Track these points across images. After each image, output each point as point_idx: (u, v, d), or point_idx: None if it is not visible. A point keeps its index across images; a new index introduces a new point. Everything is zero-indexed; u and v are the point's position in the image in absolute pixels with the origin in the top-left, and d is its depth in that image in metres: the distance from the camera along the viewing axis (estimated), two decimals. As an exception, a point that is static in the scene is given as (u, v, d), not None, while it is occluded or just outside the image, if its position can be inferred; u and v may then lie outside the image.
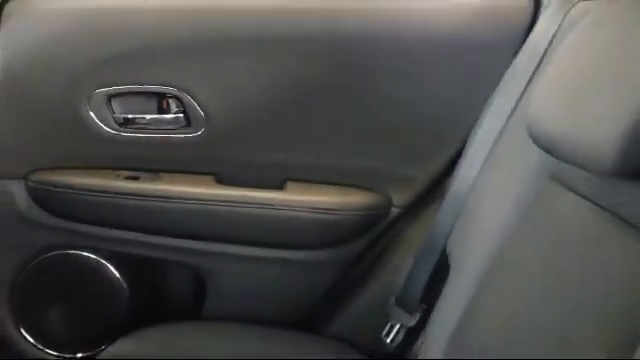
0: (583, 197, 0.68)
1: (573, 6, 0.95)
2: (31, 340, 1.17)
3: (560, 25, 0.96)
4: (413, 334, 1.04)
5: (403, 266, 1.10)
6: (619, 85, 0.59)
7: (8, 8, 1.06)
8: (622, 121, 0.54)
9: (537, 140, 0.73)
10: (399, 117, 1.14)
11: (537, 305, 0.69)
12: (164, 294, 1.23)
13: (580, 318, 0.60)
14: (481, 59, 1.07)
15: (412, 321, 1.05)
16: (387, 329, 1.08)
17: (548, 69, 0.82)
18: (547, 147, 0.71)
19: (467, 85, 1.09)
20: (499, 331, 0.74)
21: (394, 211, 1.17)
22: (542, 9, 1.07)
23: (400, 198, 1.17)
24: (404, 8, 1.12)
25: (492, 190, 0.96)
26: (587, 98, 0.64)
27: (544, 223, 0.75)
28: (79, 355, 1.16)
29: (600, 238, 0.63)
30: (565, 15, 0.94)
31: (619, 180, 0.59)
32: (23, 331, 1.17)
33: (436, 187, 1.12)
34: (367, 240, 1.18)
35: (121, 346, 1.01)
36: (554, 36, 0.95)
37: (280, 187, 1.16)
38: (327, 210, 1.15)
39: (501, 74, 1.02)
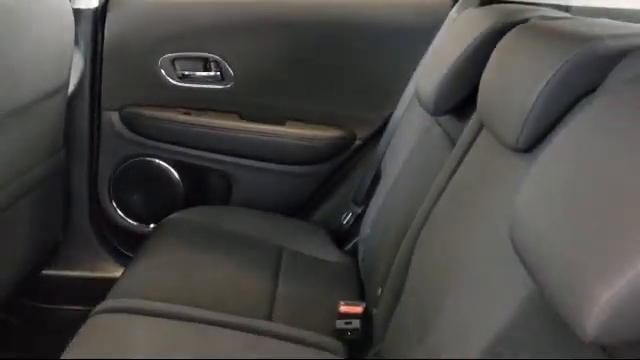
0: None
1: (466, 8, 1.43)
2: (121, 213, 1.77)
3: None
4: (358, 218, 1.62)
5: (359, 178, 1.67)
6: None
7: (111, 3, 1.63)
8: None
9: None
10: (362, 79, 1.68)
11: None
12: (204, 189, 1.79)
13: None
14: (411, 42, 1.58)
15: (358, 210, 1.63)
16: (344, 216, 1.66)
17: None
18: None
19: (404, 58, 1.60)
20: (400, 212, 1.26)
21: (357, 142, 1.72)
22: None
23: (362, 133, 1.71)
24: (367, 3, 1.64)
25: (406, 127, 1.50)
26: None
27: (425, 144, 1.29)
28: (151, 225, 1.76)
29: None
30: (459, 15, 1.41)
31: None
32: (116, 206, 1.76)
33: (384, 126, 1.66)
34: (339, 161, 1.72)
35: (177, 215, 1.58)
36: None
37: (282, 123, 1.71)
38: (312, 139, 1.70)
39: (423, 52, 1.54)
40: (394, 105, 1.62)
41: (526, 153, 0.78)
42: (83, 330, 1.08)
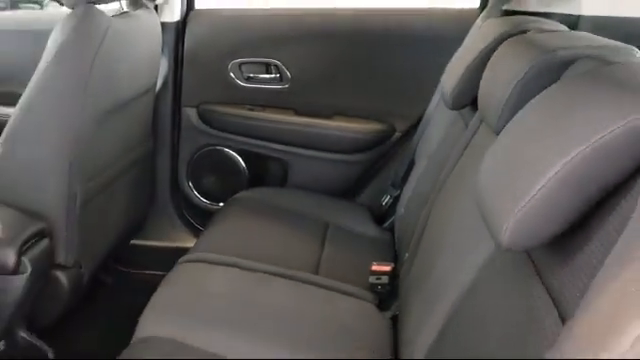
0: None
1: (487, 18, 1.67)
2: (195, 193, 2.10)
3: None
4: (395, 199, 1.88)
5: (397, 165, 1.94)
6: None
7: (190, 16, 1.96)
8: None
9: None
10: (400, 79, 1.94)
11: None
12: (264, 173, 2.10)
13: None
14: (444, 47, 1.82)
15: (395, 192, 1.89)
16: (384, 197, 1.93)
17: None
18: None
19: (437, 62, 1.84)
20: (426, 193, 1.51)
21: (396, 135, 1.99)
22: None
23: (400, 127, 1.98)
24: (405, 13, 1.91)
25: (435, 121, 1.75)
26: None
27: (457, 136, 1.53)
28: (220, 204, 2.06)
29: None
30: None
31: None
32: (192, 187, 2.10)
33: (419, 121, 1.92)
34: (380, 150, 1.99)
35: (242, 195, 1.89)
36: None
37: (331, 118, 1.99)
38: (356, 132, 1.98)
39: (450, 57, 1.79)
40: (428, 102, 1.88)
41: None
42: (170, 275, 1.40)
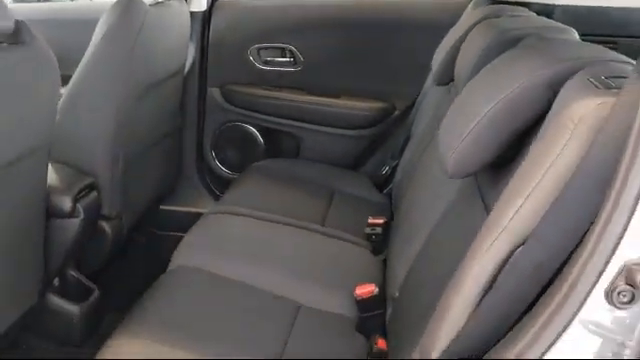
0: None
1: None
2: (218, 163, 2.36)
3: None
4: (394, 169, 2.12)
5: (396, 139, 2.18)
6: None
7: (215, 6, 2.22)
8: None
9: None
10: (400, 63, 2.19)
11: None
12: (278, 146, 2.35)
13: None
14: (438, 33, 2.04)
15: (394, 163, 2.14)
16: (384, 167, 2.18)
17: None
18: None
19: (433, 46, 2.07)
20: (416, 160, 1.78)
21: (396, 113, 2.24)
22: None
23: (399, 105, 2.23)
24: (405, 3, 2.15)
25: (428, 98, 1.99)
26: None
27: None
28: (237, 175, 2.31)
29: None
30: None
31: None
32: (215, 157, 2.36)
33: (416, 100, 2.16)
34: (381, 126, 2.24)
35: (258, 164, 2.16)
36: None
37: (338, 97, 2.24)
38: (360, 109, 2.23)
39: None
40: (423, 83, 2.12)
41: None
42: (198, 223, 1.67)
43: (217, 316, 1.26)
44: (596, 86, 0.73)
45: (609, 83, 0.74)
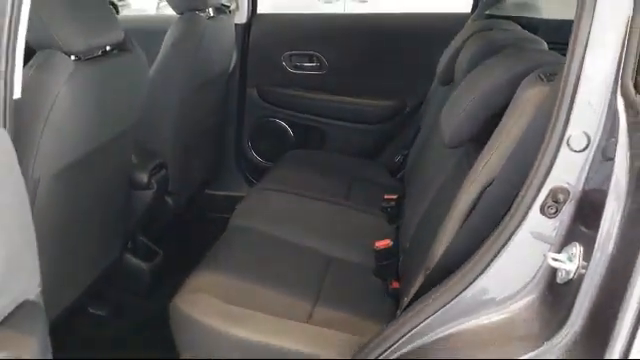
0: None
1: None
2: (254, 153, 2.74)
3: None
4: (405, 157, 2.49)
5: (408, 132, 2.56)
6: None
7: (254, 19, 2.61)
8: None
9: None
10: (411, 66, 2.56)
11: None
12: (306, 139, 2.71)
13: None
14: (444, 40, 2.42)
15: (406, 152, 2.51)
16: (397, 157, 2.55)
17: None
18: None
19: (439, 53, 2.44)
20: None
21: (407, 109, 2.61)
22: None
23: (411, 102, 2.60)
24: (416, 16, 2.53)
25: (433, 97, 2.36)
26: None
27: None
28: (269, 164, 2.69)
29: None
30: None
31: None
32: (251, 149, 2.74)
33: (425, 98, 2.53)
34: (395, 121, 2.62)
35: (288, 155, 2.53)
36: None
37: (359, 96, 2.62)
38: (377, 107, 2.61)
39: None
40: (430, 84, 2.48)
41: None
42: (247, 196, 2.05)
43: (271, 264, 1.63)
44: (542, 80, 1.10)
45: (551, 78, 1.11)
